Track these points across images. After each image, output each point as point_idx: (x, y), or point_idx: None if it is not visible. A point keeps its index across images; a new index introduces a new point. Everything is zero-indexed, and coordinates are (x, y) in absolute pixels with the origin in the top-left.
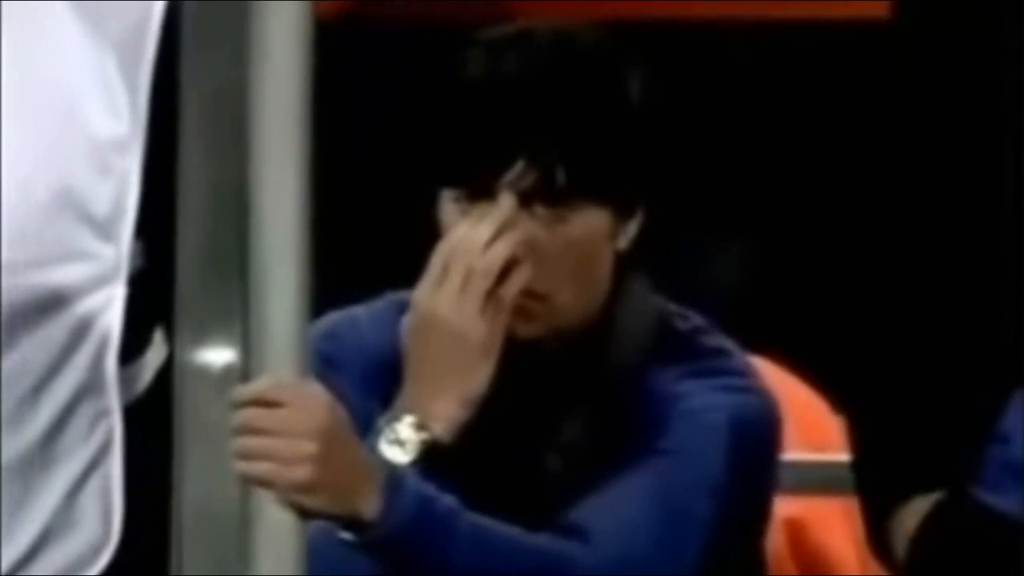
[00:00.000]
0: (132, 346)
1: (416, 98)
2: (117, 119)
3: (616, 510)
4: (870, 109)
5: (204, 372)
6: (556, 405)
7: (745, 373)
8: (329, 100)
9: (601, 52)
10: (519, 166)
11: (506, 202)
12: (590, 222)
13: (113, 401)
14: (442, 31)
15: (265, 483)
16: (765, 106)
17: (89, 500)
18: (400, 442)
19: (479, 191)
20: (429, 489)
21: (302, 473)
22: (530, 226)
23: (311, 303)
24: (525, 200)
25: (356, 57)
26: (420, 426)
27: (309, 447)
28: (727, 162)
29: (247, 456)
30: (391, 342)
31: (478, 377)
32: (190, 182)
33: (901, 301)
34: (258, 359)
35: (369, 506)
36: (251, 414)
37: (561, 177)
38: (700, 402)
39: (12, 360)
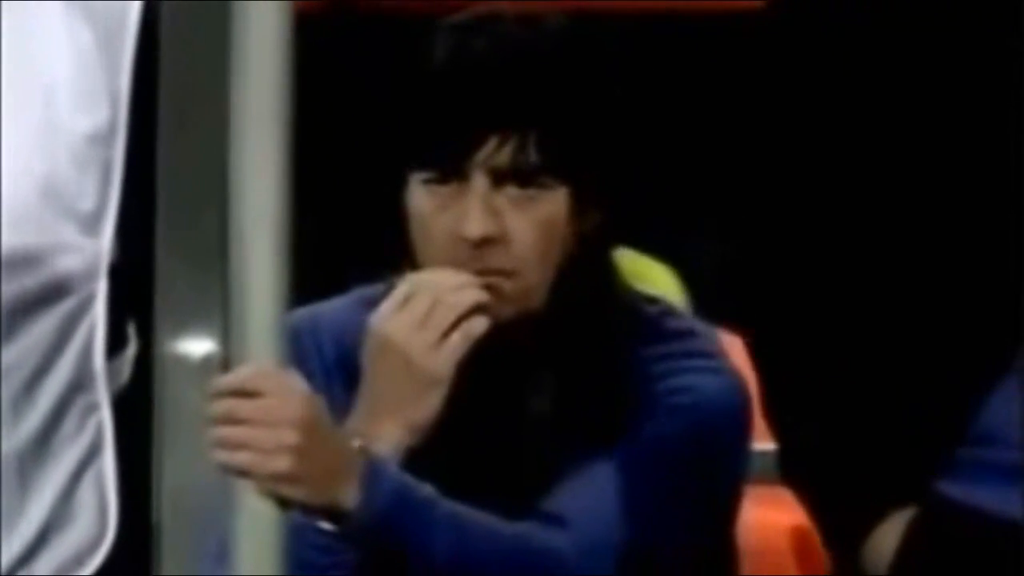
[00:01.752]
0: (113, 340)
1: (389, 83)
2: (100, 111)
3: (592, 497)
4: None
5: (184, 362)
6: (524, 390)
7: (714, 354)
8: (311, 90)
9: (568, 32)
10: (491, 144)
11: (479, 182)
12: (559, 202)
13: (102, 395)
14: (423, 19)
15: (244, 473)
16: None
17: (85, 495)
18: None
19: (451, 172)
20: (407, 478)
21: (282, 463)
22: (502, 206)
23: (291, 294)
24: (497, 180)
25: (338, 46)
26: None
27: (289, 437)
28: (712, 153)
29: (226, 446)
30: (354, 338)
31: (425, 406)
32: (170, 172)
33: (852, 301)
34: (238, 349)
35: (348, 496)
36: (230, 404)
37: (533, 155)
38: (670, 384)
39: (12, 351)
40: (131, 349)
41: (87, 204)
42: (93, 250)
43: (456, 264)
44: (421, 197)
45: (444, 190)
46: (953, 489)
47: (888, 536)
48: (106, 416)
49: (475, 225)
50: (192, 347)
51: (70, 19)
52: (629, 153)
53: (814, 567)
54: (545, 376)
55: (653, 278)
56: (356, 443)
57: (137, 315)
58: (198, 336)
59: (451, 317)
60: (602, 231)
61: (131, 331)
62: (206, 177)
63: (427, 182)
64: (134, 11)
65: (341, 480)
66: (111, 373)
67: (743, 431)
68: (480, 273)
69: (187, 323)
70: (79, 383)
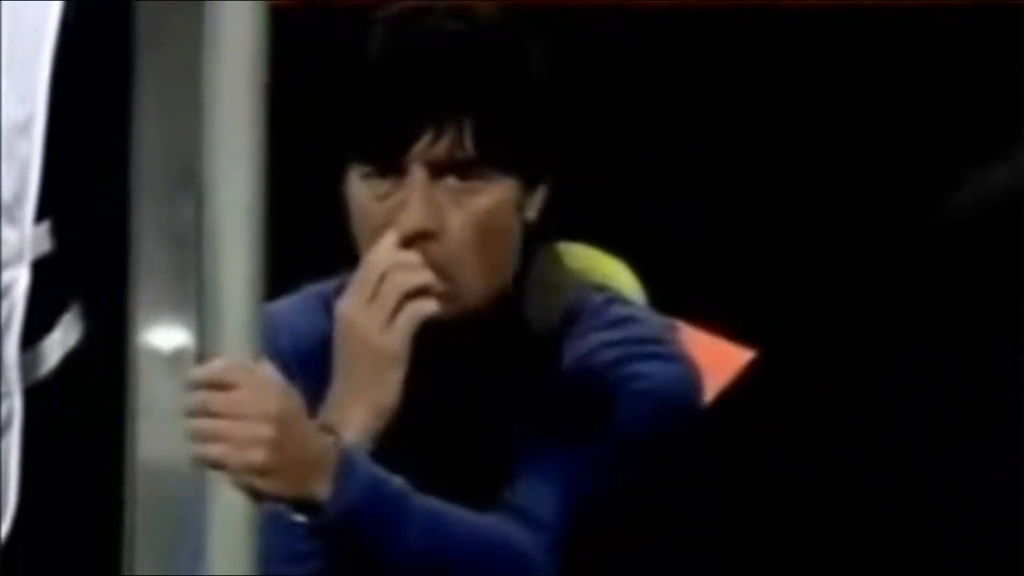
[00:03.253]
0: (37, 329)
1: (327, 77)
2: (19, 105)
3: (553, 489)
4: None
5: (158, 353)
6: (475, 381)
7: (663, 339)
8: (286, 84)
9: (500, 22)
10: (428, 137)
11: (417, 175)
12: (499, 193)
13: (12, 383)
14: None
15: (218, 465)
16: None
17: None
18: None
19: (389, 166)
20: (380, 471)
21: (256, 456)
22: (441, 199)
23: (265, 286)
24: (436, 172)
25: (313, 41)
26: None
27: (263, 430)
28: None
29: (201, 438)
30: (310, 339)
31: (386, 386)
32: (146, 166)
33: None
34: (212, 341)
35: (321, 489)
36: (205, 396)
37: (469, 146)
38: (624, 371)
39: None
40: (59, 337)
41: (7, 194)
42: (12, 240)
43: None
44: (361, 191)
45: (383, 184)
46: None
47: None
48: (16, 404)
49: (412, 219)
50: (166, 339)
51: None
52: (568, 141)
53: None
54: (496, 368)
55: (612, 273)
56: (330, 438)
57: (92, 302)
58: (173, 328)
59: (396, 294)
60: (544, 220)
61: (69, 319)
62: (183, 169)
63: (366, 176)
64: (54, 10)
65: (315, 473)
66: (30, 362)
67: (698, 416)
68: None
69: (162, 315)
70: None
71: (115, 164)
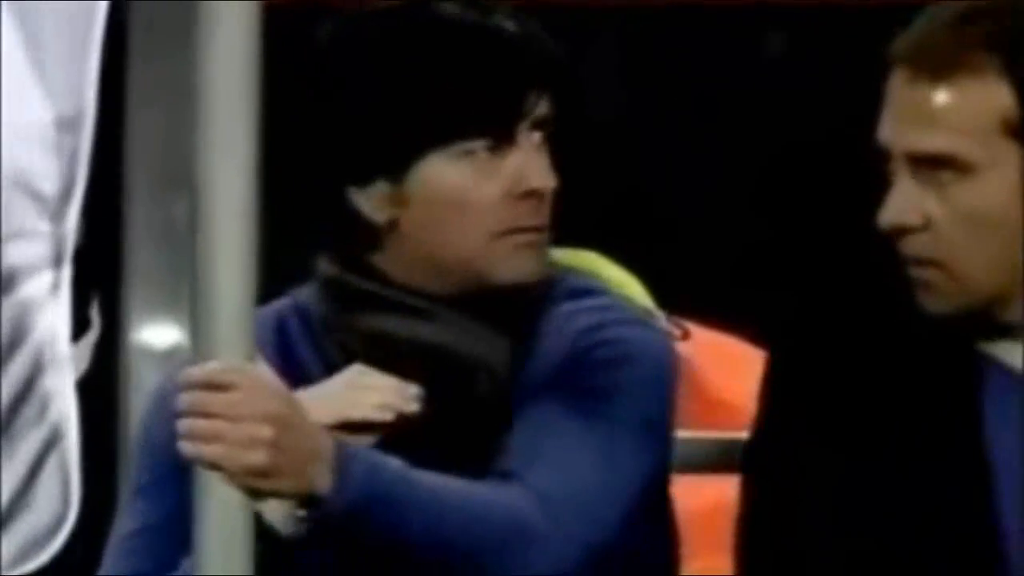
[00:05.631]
0: (75, 325)
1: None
2: (68, 99)
3: (555, 458)
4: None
5: (151, 352)
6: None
7: (628, 307)
8: (285, 82)
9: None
10: (542, 105)
11: (533, 136)
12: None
13: (66, 381)
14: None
15: (217, 466)
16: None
17: (47, 480)
18: None
19: (502, 139)
20: (377, 455)
21: (257, 458)
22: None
23: (259, 287)
24: (539, 129)
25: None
26: None
27: (263, 431)
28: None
29: (197, 438)
30: (268, 356)
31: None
32: (140, 166)
33: None
34: (205, 341)
35: (323, 482)
36: (201, 396)
37: (548, 108)
38: (598, 337)
39: None
40: (93, 334)
41: (51, 190)
42: (57, 236)
43: (514, 222)
44: (460, 171)
45: (486, 158)
46: None
47: None
48: (70, 402)
49: (544, 177)
50: (159, 338)
51: (39, 12)
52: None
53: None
54: (492, 331)
55: (622, 283)
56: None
57: (101, 300)
58: (166, 327)
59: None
60: None
61: (94, 316)
62: (177, 169)
63: (467, 154)
64: (101, 6)
65: (315, 468)
66: (74, 358)
67: (675, 379)
68: (539, 227)
69: (155, 314)
70: (42, 368)
71: (105, 163)
